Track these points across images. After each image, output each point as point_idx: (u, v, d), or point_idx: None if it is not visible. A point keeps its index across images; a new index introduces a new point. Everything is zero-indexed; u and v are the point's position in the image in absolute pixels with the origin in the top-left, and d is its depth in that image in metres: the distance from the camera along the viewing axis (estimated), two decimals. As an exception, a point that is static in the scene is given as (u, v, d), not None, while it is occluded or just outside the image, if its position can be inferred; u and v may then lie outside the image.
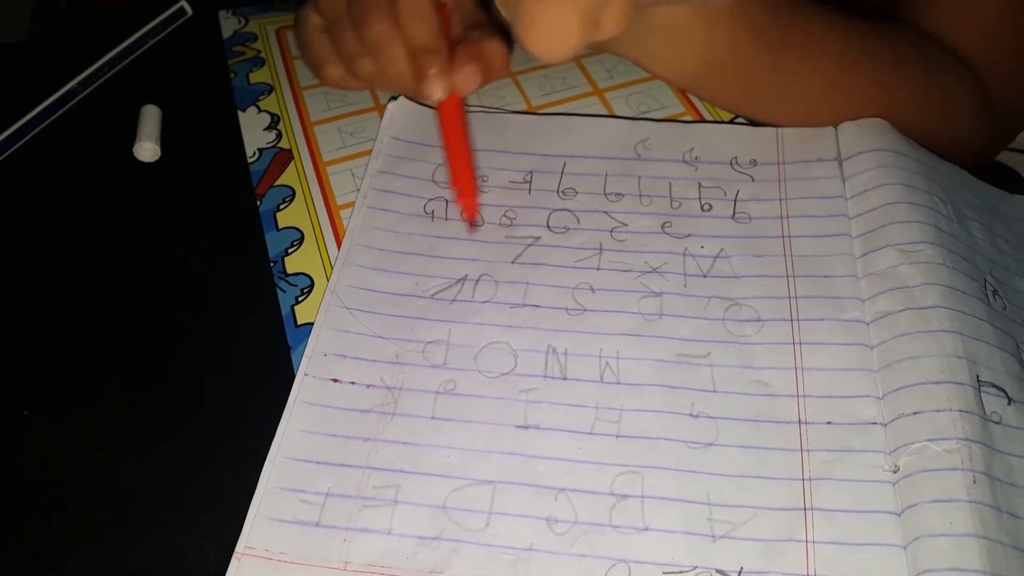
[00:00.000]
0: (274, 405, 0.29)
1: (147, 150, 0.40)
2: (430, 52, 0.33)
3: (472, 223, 0.34)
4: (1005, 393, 0.28)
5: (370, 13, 0.34)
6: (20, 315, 0.35)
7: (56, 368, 0.33)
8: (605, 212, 0.35)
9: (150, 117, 0.41)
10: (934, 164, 0.35)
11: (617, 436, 0.28)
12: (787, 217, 0.33)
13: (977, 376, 0.28)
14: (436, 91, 0.33)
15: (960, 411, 0.27)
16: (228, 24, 0.47)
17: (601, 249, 0.33)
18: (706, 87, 0.37)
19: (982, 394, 0.28)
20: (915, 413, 0.27)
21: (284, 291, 0.34)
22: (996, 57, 0.39)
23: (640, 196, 0.35)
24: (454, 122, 0.34)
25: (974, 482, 0.25)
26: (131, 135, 0.40)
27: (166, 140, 0.41)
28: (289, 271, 0.34)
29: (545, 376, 0.30)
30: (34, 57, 0.46)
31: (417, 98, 0.36)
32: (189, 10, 0.48)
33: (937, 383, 0.28)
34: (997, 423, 0.27)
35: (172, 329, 0.34)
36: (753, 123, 0.38)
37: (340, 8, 0.35)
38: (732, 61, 0.35)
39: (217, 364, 0.32)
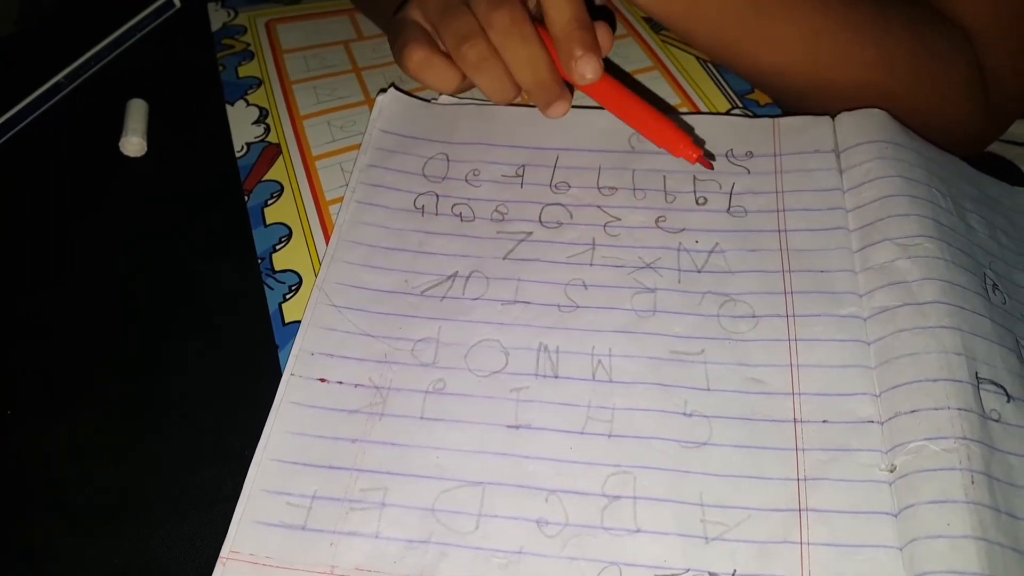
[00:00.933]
0: (261, 405, 0.29)
1: (133, 144, 0.39)
2: (577, 31, 0.32)
3: (706, 163, 0.33)
4: (1004, 390, 0.28)
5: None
6: (4, 314, 0.34)
7: (40, 367, 0.32)
8: (598, 206, 0.34)
9: (137, 111, 0.41)
10: (933, 156, 0.34)
11: (609, 436, 0.28)
12: (783, 210, 0.33)
13: (976, 373, 0.27)
14: (589, 71, 0.32)
15: (958, 409, 0.26)
16: (217, 17, 0.46)
17: (594, 244, 0.33)
18: (683, 23, 0.37)
19: (981, 391, 0.27)
20: (912, 411, 0.27)
21: (272, 288, 0.33)
22: (1001, 32, 0.38)
23: (634, 190, 0.34)
24: (617, 90, 0.34)
25: (972, 482, 0.25)
26: (117, 129, 0.40)
27: (153, 135, 0.40)
28: (277, 268, 0.34)
29: (536, 374, 0.29)
30: (21, 50, 0.46)
31: (534, 92, 0.35)
32: (178, 2, 0.48)
33: (935, 380, 0.27)
34: (996, 421, 0.27)
35: (157, 327, 0.33)
36: (750, 114, 0.37)
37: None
38: None
39: (203, 363, 0.32)
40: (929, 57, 0.37)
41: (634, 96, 0.34)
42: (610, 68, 0.40)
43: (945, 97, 0.38)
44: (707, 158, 0.33)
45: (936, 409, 0.26)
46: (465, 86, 0.37)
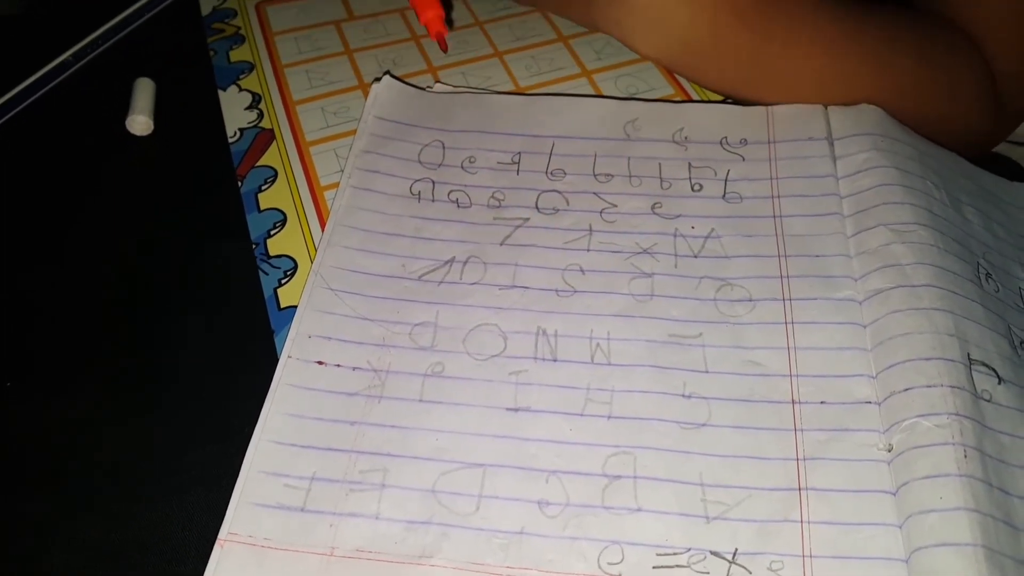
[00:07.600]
0: (257, 388, 0.29)
1: (140, 123, 0.39)
2: None
3: (441, 40, 0.32)
4: (995, 372, 0.28)
5: None
6: (5, 289, 0.34)
7: (39, 344, 0.32)
8: (595, 193, 0.34)
9: (144, 90, 0.40)
10: (929, 151, 0.34)
11: (609, 417, 0.28)
12: (778, 197, 0.33)
13: (968, 354, 0.28)
14: None
15: (951, 387, 0.27)
16: (207, 1, 0.46)
17: (591, 230, 0.33)
18: (688, 69, 0.37)
19: (973, 372, 0.28)
20: (906, 390, 0.27)
21: (267, 273, 0.33)
22: (1008, 39, 0.38)
23: (630, 177, 0.35)
24: None
25: (965, 456, 0.25)
26: (125, 108, 0.39)
27: (160, 114, 0.40)
28: (271, 253, 0.33)
29: (535, 358, 0.29)
30: (28, 29, 0.45)
31: None
32: (186, -17, 0.47)
33: (928, 359, 0.27)
34: (988, 400, 0.27)
35: (155, 310, 0.33)
36: (742, 102, 0.37)
37: None
38: (713, 45, 0.35)
39: (199, 346, 0.31)
40: (936, 73, 0.37)
41: None
42: (602, 59, 0.40)
43: (952, 109, 0.38)
44: (447, 37, 0.33)
45: (929, 386, 0.27)
46: None
